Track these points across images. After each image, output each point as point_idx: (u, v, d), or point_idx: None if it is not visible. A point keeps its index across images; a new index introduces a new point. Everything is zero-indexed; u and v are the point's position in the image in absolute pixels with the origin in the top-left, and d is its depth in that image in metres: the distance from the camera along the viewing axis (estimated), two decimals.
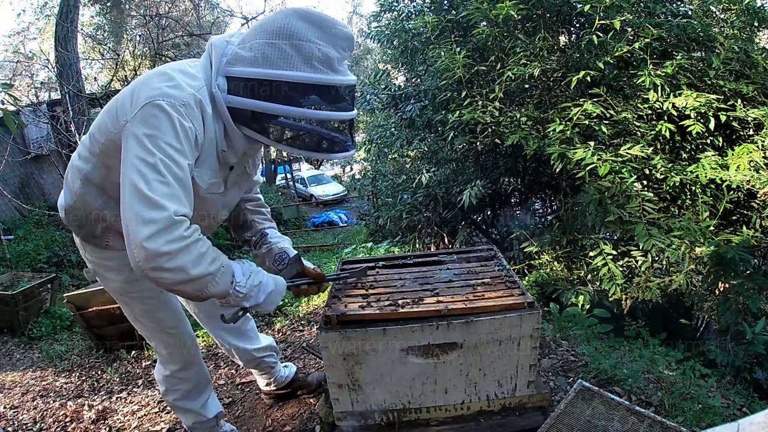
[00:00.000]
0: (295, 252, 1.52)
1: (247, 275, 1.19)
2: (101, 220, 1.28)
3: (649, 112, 2.93)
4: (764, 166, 2.54)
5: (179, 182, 1.04)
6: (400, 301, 1.40)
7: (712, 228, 2.58)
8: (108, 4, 11.79)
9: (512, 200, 4.24)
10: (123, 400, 2.42)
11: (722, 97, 2.76)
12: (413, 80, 4.41)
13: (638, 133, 2.84)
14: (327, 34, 1.08)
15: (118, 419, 2.23)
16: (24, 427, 2.32)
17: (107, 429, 2.16)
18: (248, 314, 1.81)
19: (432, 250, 3.96)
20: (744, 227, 2.75)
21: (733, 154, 2.61)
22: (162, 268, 1.00)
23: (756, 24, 3.12)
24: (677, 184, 2.67)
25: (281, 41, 1.07)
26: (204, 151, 1.14)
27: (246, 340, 1.81)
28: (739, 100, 2.76)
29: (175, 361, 1.55)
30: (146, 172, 1.01)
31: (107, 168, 1.19)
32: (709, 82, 2.87)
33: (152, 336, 1.53)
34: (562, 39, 3.48)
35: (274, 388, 1.98)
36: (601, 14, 2.86)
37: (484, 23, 3.28)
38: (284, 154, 20.01)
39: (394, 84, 4.48)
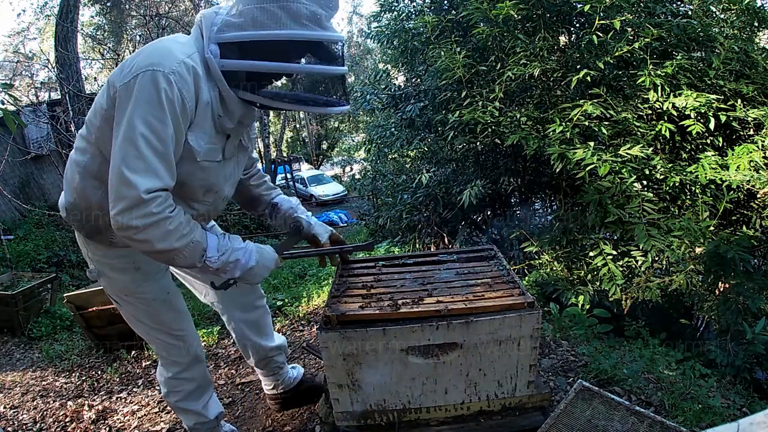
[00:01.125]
0: (305, 218, 1.57)
1: (221, 252, 1.24)
2: (103, 213, 1.27)
3: (649, 112, 2.93)
4: (764, 166, 2.54)
5: (159, 156, 1.09)
6: (400, 301, 1.40)
7: (712, 228, 2.58)
8: (108, 4, 11.78)
9: (512, 200, 4.23)
10: (123, 400, 2.42)
11: (722, 97, 2.76)
12: (413, 80, 4.41)
13: (638, 133, 2.83)
14: None
15: (118, 419, 2.23)
16: (24, 427, 2.32)
17: (107, 429, 2.16)
18: (267, 310, 1.85)
19: (432, 250, 3.95)
20: (744, 227, 2.75)
21: (733, 154, 2.61)
22: (131, 239, 1.12)
23: (756, 24, 3.12)
24: (677, 184, 2.67)
25: (269, 4, 1.09)
26: (198, 116, 1.16)
27: (264, 337, 1.81)
28: (739, 100, 2.76)
29: (178, 363, 1.54)
30: (126, 149, 1.07)
31: (103, 155, 1.20)
32: (709, 82, 2.87)
33: (153, 338, 1.52)
34: (562, 39, 3.47)
35: (281, 390, 1.96)
36: (601, 14, 2.86)
37: (484, 23, 3.28)
38: (284, 153, 20.03)
39: (394, 84, 4.48)
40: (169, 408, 2.21)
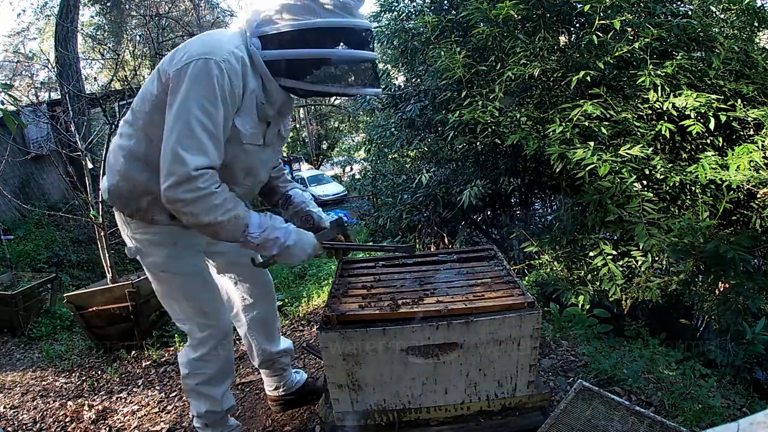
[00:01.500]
0: (315, 212, 1.63)
1: (263, 228, 1.32)
2: (147, 193, 1.35)
3: (649, 112, 2.93)
4: (764, 166, 2.53)
5: (209, 136, 1.18)
6: (399, 301, 1.40)
7: (712, 228, 2.58)
8: (108, 4, 11.79)
9: (512, 200, 4.23)
10: (123, 400, 2.42)
11: (722, 97, 2.75)
12: (413, 80, 4.40)
13: (638, 133, 2.83)
14: None
15: (118, 419, 2.23)
16: (24, 427, 2.32)
17: (107, 429, 2.16)
18: (277, 315, 1.89)
19: (432, 250, 3.95)
20: (744, 227, 2.74)
21: (733, 154, 2.61)
22: (179, 211, 1.21)
23: (756, 24, 3.11)
24: (677, 184, 2.67)
25: None
26: (245, 103, 1.27)
27: (272, 342, 1.84)
28: (739, 100, 2.75)
29: (206, 344, 1.56)
30: (181, 130, 1.17)
31: (149, 139, 1.29)
32: (709, 82, 2.86)
33: (188, 318, 1.55)
34: (562, 39, 3.47)
35: (283, 392, 1.97)
36: (601, 14, 2.86)
37: (484, 23, 3.28)
38: (284, 153, 20.00)
39: (394, 84, 4.47)
40: (169, 408, 2.21)
